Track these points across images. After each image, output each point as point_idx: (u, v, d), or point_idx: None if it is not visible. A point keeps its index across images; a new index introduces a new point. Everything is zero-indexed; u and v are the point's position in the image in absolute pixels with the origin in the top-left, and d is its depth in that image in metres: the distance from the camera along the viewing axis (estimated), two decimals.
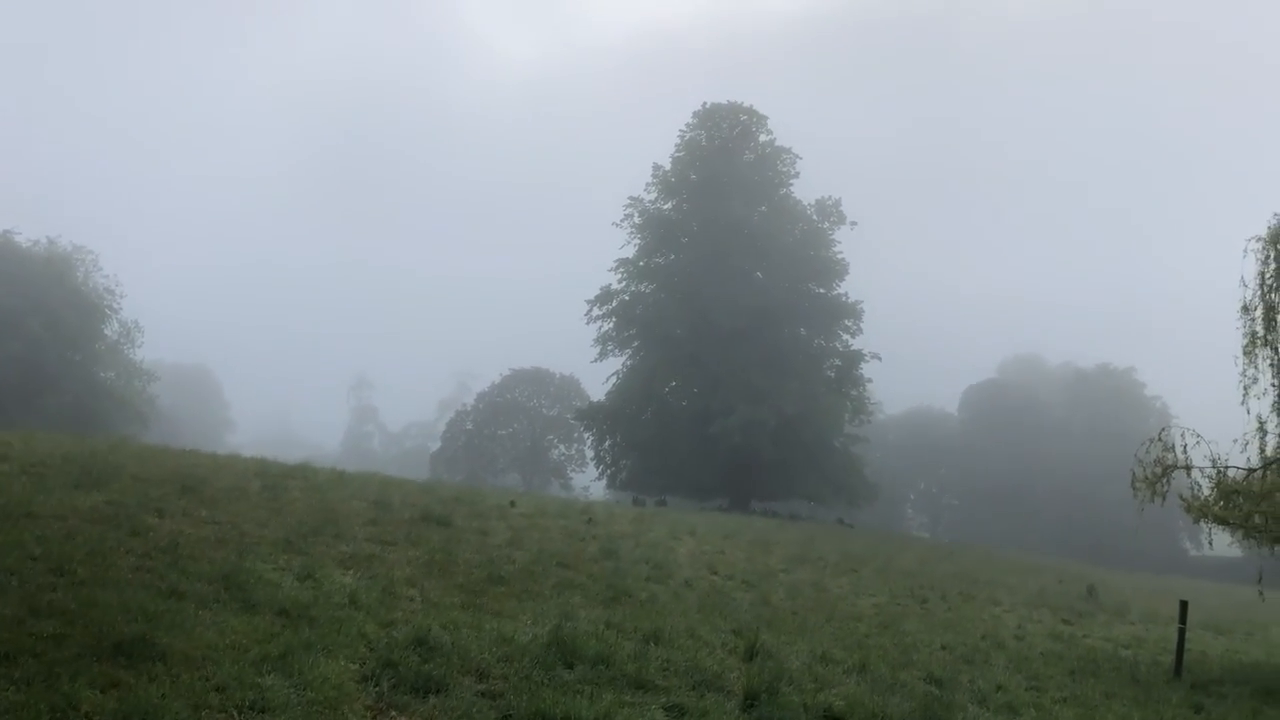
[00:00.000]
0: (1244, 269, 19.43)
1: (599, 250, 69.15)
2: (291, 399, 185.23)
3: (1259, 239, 19.27)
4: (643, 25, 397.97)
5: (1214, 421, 20.44)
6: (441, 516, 19.81)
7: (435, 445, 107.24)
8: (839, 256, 64.54)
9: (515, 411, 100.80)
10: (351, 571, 12.86)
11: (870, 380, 65.10)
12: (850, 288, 64.69)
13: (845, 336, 64.30)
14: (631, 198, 65.75)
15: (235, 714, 7.06)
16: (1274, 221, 19.16)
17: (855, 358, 63.34)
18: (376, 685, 8.23)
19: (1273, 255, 19.01)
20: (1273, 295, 19.04)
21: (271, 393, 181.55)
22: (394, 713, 7.81)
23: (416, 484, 29.18)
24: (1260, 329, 19.16)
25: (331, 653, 8.76)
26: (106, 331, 75.43)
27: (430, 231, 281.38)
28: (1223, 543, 28.14)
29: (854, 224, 65.38)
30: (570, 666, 9.76)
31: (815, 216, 65.03)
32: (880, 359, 63.36)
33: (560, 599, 13.83)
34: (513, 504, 26.54)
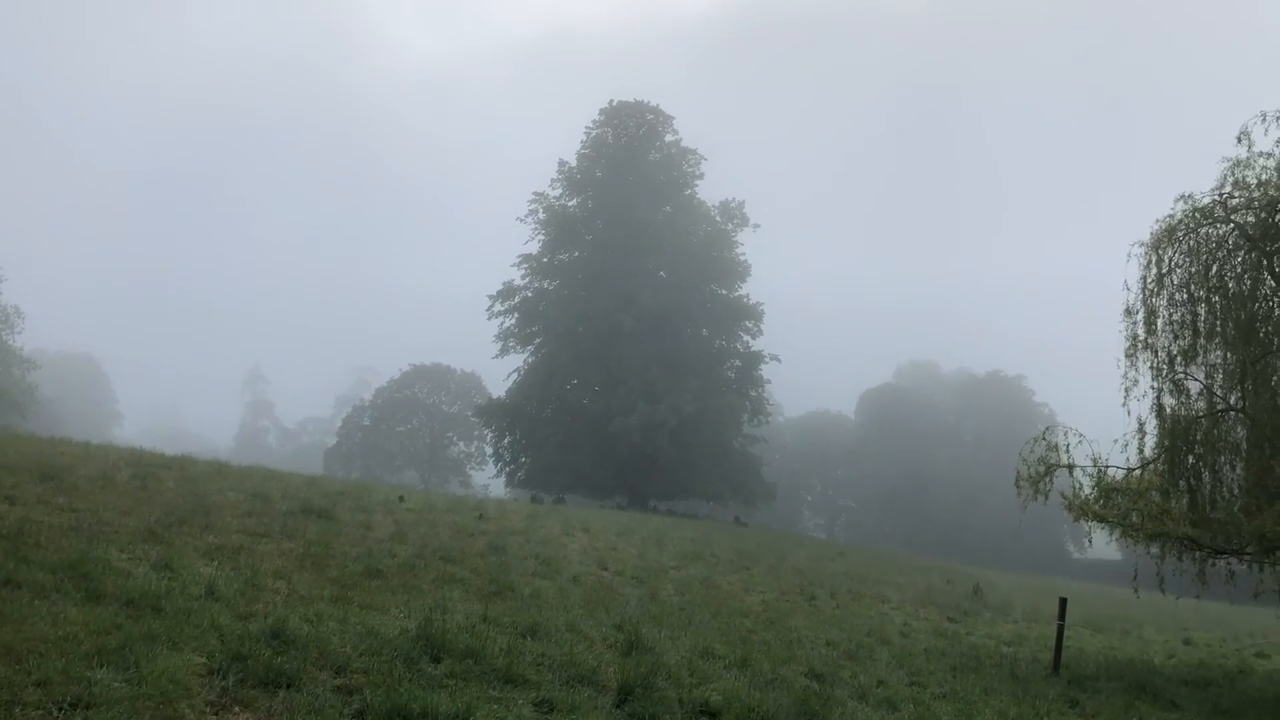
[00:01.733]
0: (1127, 273, 19.87)
1: (501, 245, 68.57)
2: (184, 393, 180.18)
3: (1142, 244, 19.72)
4: (546, 22, 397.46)
5: (1097, 424, 20.86)
6: (323, 509, 19.17)
7: (332, 442, 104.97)
8: (741, 258, 65.02)
9: (414, 408, 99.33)
10: (215, 563, 12.23)
11: (769, 382, 65.71)
12: (751, 289, 65.19)
13: (746, 338, 64.80)
14: (536, 193, 65.32)
15: (54, 710, 6.51)
16: (1156, 228, 19.62)
17: (755, 359, 63.84)
18: (222, 679, 7.71)
19: (1154, 260, 19.46)
20: (1154, 299, 19.49)
21: (163, 386, 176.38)
22: (238, 708, 7.31)
23: (302, 478, 28.28)
24: (1142, 332, 19.60)
25: (177, 645, 8.21)
26: None
27: (329, 224, 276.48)
28: (1103, 545, 28.93)
29: (756, 226, 65.99)
30: (437, 661, 9.36)
31: (719, 218, 65.40)
32: (780, 360, 64.02)
33: (439, 593, 13.36)
34: (401, 499, 25.91)
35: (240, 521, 15.95)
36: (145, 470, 19.65)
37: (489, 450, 74.10)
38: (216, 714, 7.19)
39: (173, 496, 17.10)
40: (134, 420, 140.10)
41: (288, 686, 7.87)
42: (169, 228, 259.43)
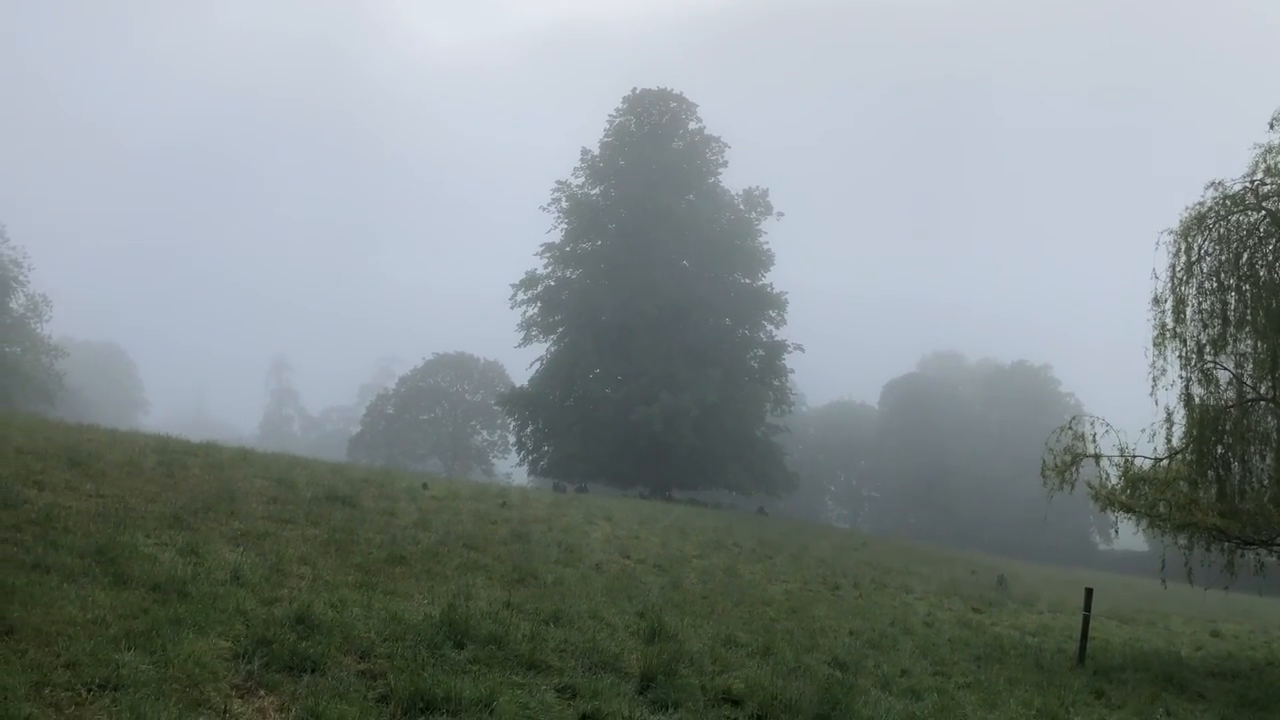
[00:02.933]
0: (1155, 261, 19.65)
1: (522, 236, 68.66)
2: (209, 381, 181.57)
3: (1171, 232, 19.50)
4: (561, 11, 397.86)
5: (1124, 414, 20.68)
6: (347, 496, 19.24)
7: (356, 430, 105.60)
8: (765, 247, 64.86)
9: (437, 396, 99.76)
10: (240, 549, 12.28)
11: (793, 371, 65.55)
12: (775, 279, 65.00)
13: (769, 327, 64.68)
14: (559, 182, 65.30)
15: (83, 691, 6.56)
16: (1186, 215, 19.39)
17: (778, 348, 63.68)
18: (248, 663, 7.76)
19: (1183, 248, 19.23)
20: (1183, 288, 19.27)
21: (189, 374, 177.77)
22: (262, 691, 7.36)
23: (326, 465, 28.42)
24: (1170, 321, 19.39)
25: (203, 629, 8.26)
26: (12, 305, 72.77)
27: (350, 212, 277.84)
28: (1130, 536, 28.71)
29: (781, 215, 65.79)
30: (461, 646, 9.38)
31: (742, 206, 65.21)
32: (803, 350, 63.88)
33: (462, 580, 13.39)
34: (425, 486, 26.00)
35: (265, 508, 16.03)
36: (171, 457, 19.77)
37: (511, 439, 74.40)
38: (242, 697, 7.23)
39: (198, 483, 17.20)
40: (160, 408, 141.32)
41: (312, 671, 7.91)
42: (191, 214, 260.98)
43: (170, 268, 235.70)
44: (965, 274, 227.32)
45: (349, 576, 12.07)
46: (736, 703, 9.60)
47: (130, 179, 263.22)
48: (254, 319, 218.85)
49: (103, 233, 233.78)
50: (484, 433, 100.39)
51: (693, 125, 65.78)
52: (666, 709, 9.00)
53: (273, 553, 12.25)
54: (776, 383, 64.18)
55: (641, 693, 9.28)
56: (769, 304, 64.00)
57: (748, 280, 64.30)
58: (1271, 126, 18.56)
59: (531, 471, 66.88)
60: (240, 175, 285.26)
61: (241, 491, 17.18)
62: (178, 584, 9.53)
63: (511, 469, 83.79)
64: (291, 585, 10.77)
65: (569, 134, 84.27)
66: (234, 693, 7.24)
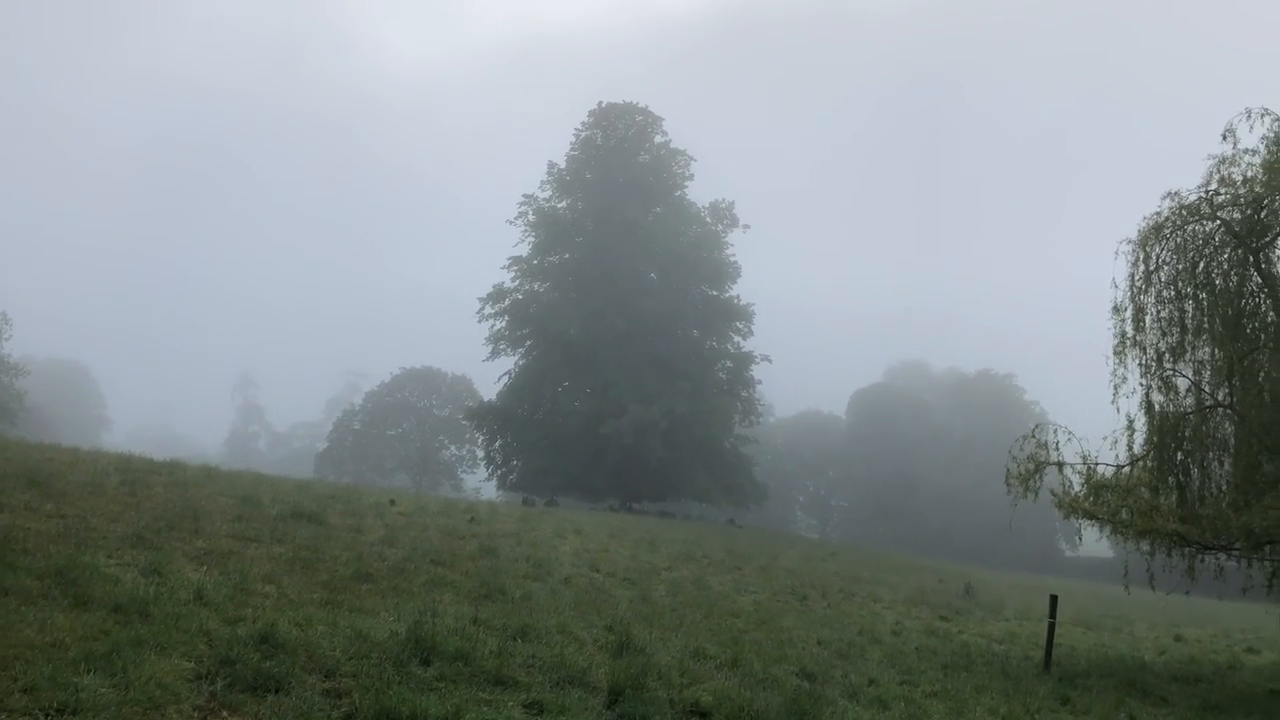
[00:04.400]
0: (1115, 271, 19.95)
1: (490, 248, 68.57)
2: (174, 398, 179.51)
3: (1129, 241, 19.82)
4: (528, 27, 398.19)
5: (1087, 422, 20.92)
6: (313, 514, 19.10)
7: (323, 446, 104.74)
8: (731, 259, 65.09)
9: (405, 411, 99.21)
10: (204, 568, 12.17)
11: (760, 382, 65.81)
12: (742, 290, 65.26)
13: (736, 338, 64.90)
14: (526, 195, 65.29)
15: (41, 716, 6.46)
16: (1144, 225, 19.70)
17: (746, 360, 63.92)
18: (210, 684, 7.68)
19: (1142, 257, 19.54)
20: (1142, 296, 19.56)
21: (153, 392, 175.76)
22: (225, 713, 7.28)
23: (292, 482, 28.22)
24: (1130, 329, 19.67)
25: (165, 650, 8.16)
26: None
27: (319, 227, 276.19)
28: (1094, 543, 28.95)
29: (747, 227, 66.14)
30: (427, 664, 9.33)
31: (709, 219, 65.47)
32: (770, 361, 64.13)
33: (429, 596, 13.33)
34: (392, 503, 25.86)
35: (230, 526, 15.89)
36: (134, 476, 19.56)
37: (480, 453, 74.08)
38: (204, 718, 7.15)
39: (162, 502, 17.02)
40: (124, 425, 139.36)
41: (276, 690, 7.84)
42: (156, 219, 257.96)
43: (132, 275, 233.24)
44: (930, 283, 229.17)
45: (314, 594, 11.98)
46: (704, 715, 9.61)
47: (92, 182, 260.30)
48: (219, 328, 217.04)
49: (65, 241, 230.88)
50: (452, 447, 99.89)
51: (659, 139, 66.03)
52: None
53: (237, 571, 12.14)
54: (744, 394, 64.40)
55: (609, 707, 9.27)
56: (736, 315, 64.25)
57: (715, 292, 64.52)
58: (1224, 138, 18.92)
59: (500, 486, 66.61)
60: (204, 181, 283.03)
61: (206, 510, 17.01)
62: (140, 604, 9.42)
63: (480, 484, 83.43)
64: (256, 604, 10.68)
65: (536, 146, 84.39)
66: (196, 714, 7.16)
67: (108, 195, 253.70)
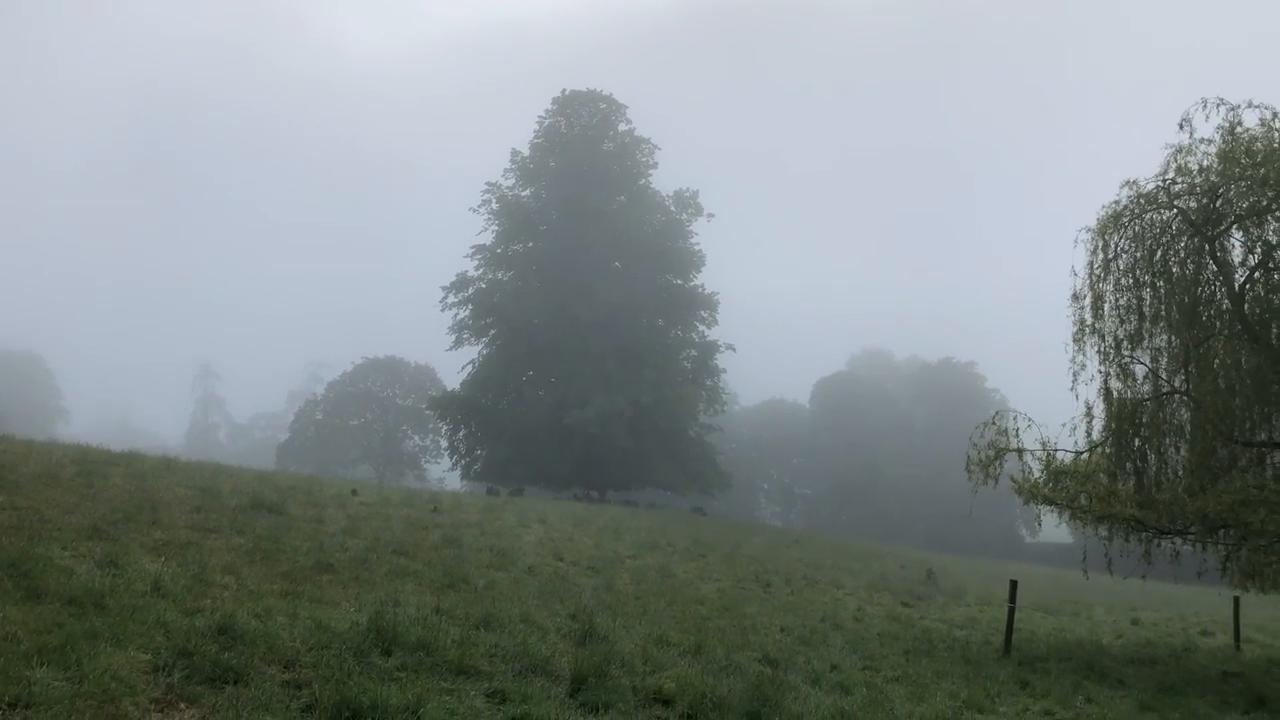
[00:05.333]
0: (1074, 259, 20.15)
1: (455, 236, 68.20)
2: (133, 389, 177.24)
3: (1089, 230, 20.00)
4: (487, 11, 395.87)
5: (1046, 409, 21.12)
6: (274, 504, 18.90)
7: (285, 437, 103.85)
8: (696, 248, 65.08)
9: (368, 401, 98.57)
10: (162, 559, 12.01)
11: (725, 371, 65.90)
12: (706, 279, 65.33)
13: (701, 327, 64.96)
14: (489, 183, 64.91)
15: None
16: (1103, 213, 19.90)
17: (711, 348, 64.01)
18: (167, 676, 7.58)
19: (1100, 246, 19.74)
20: (1101, 284, 19.77)
21: (111, 383, 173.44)
22: (183, 704, 7.20)
23: (253, 473, 27.90)
24: (1089, 317, 19.87)
25: (121, 643, 8.06)
26: None
27: (279, 218, 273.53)
28: (1054, 529, 29.25)
29: (711, 216, 66.12)
30: (389, 654, 9.28)
31: (673, 208, 65.40)
32: (735, 350, 64.29)
33: (391, 586, 13.25)
34: (354, 493, 25.66)
35: (189, 517, 15.69)
36: (91, 467, 19.25)
37: (444, 443, 73.70)
38: (161, 711, 7.07)
39: (119, 493, 16.77)
40: (81, 417, 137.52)
41: (235, 682, 7.76)
42: (111, 220, 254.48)
43: (91, 266, 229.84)
44: (891, 272, 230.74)
45: (274, 585, 11.87)
46: (667, 702, 9.64)
47: (47, 172, 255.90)
48: (179, 318, 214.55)
49: (19, 230, 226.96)
50: (416, 437, 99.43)
51: (623, 127, 65.86)
52: (597, 711, 9.00)
53: (196, 562, 12.01)
54: (709, 382, 64.48)
55: (572, 695, 9.27)
56: (701, 304, 64.29)
57: (680, 281, 64.50)
58: (1181, 127, 19.11)
59: (465, 476, 66.37)
60: (162, 175, 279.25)
61: (164, 501, 16.80)
62: (95, 596, 9.29)
63: (444, 474, 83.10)
64: (215, 595, 10.56)
65: (498, 134, 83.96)
66: (153, 707, 7.08)
67: (63, 186, 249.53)
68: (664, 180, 67.49)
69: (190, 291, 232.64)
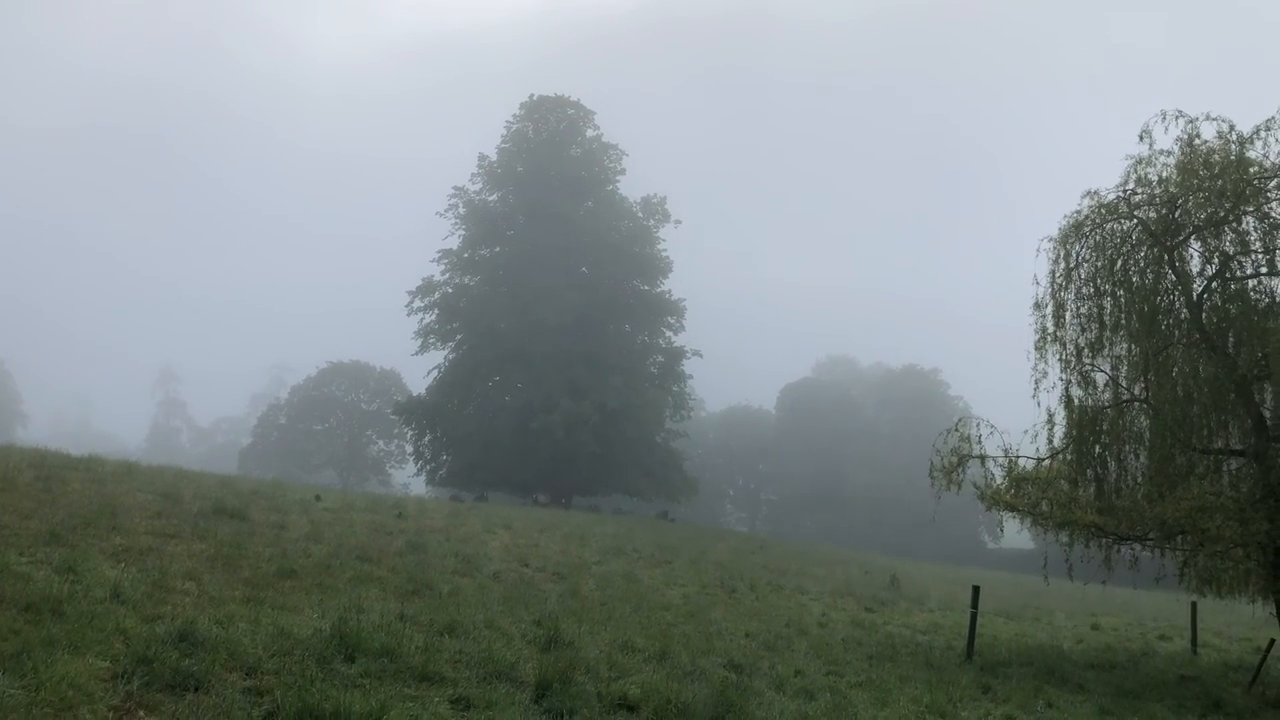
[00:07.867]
0: (1037, 268, 20.35)
1: (421, 240, 67.89)
2: (93, 392, 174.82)
3: (1050, 239, 20.23)
4: (452, 16, 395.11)
5: (1009, 416, 21.31)
6: (236, 510, 18.77)
7: (247, 441, 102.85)
8: (663, 254, 65.18)
9: (332, 406, 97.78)
10: (122, 565, 11.87)
11: (691, 377, 66.02)
12: (673, 285, 65.47)
13: (668, 333, 65.09)
14: (456, 187, 64.74)
15: None
16: (1064, 223, 20.14)
17: (677, 354, 64.13)
18: (126, 683, 7.48)
19: (1063, 255, 19.95)
20: (1062, 293, 19.97)
21: (71, 387, 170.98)
22: (142, 712, 7.10)
23: (215, 478, 27.68)
24: (1051, 325, 20.06)
25: (79, 650, 7.94)
26: None
27: (244, 218, 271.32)
28: (1016, 535, 29.51)
29: (678, 222, 66.27)
30: (352, 660, 9.21)
31: (640, 214, 65.49)
32: (701, 355, 64.44)
33: (354, 593, 13.16)
34: (318, 499, 25.53)
35: (149, 523, 15.53)
36: (49, 472, 19.03)
37: (409, 449, 73.36)
38: (120, 718, 6.98)
39: (78, 498, 16.58)
40: (40, 421, 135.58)
41: (195, 689, 7.67)
42: (71, 208, 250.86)
43: (49, 265, 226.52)
44: (855, 278, 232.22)
45: (236, 591, 11.76)
46: (632, 708, 9.63)
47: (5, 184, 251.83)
48: (140, 320, 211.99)
49: None
50: (380, 443, 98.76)
51: (590, 132, 65.92)
52: (562, 717, 8.98)
53: (156, 569, 11.87)
54: (676, 388, 64.56)
55: (537, 701, 9.24)
56: (667, 310, 64.41)
57: (646, 287, 64.57)
58: (1141, 138, 19.39)
59: (430, 482, 66.03)
60: (125, 170, 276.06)
61: (124, 506, 16.62)
62: (53, 603, 9.15)
63: (409, 479, 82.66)
64: (175, 602, 10.44)
65: (462, 138, 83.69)
66: (111, 714, 6.98)
67: (18, 181, 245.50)
68: (627, 185, 67.65)
69: (153, 289, 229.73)
